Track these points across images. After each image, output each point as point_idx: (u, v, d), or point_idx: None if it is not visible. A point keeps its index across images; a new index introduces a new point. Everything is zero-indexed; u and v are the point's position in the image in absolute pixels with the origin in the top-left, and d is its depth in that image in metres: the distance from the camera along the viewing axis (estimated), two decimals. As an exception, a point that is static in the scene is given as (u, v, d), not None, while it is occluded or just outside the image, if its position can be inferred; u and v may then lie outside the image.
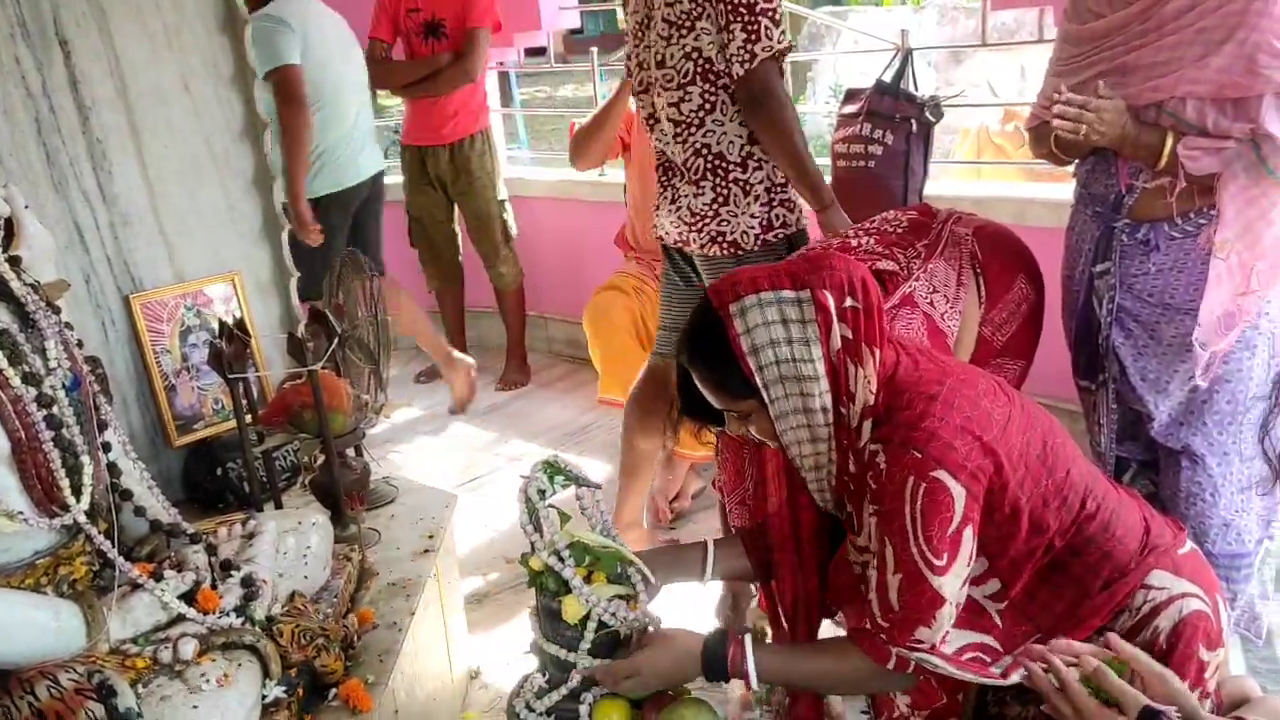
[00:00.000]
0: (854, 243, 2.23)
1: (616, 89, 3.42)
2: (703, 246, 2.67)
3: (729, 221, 2.62)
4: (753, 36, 2.43)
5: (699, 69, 2.55)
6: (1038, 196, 3.42)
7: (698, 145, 2.61)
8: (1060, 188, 3.34)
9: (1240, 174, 2.03)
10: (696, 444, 3.24)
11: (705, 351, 1.67)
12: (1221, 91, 2.00)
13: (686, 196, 2.68)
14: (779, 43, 2.45)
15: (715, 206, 2.63)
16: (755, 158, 2.60)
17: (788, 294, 1.59)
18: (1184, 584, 1.62)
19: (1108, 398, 2.34)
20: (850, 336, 1.59)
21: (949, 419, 1.55)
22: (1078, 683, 1.33)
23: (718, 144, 2.59)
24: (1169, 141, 2.07)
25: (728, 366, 1.63)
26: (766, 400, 1.62)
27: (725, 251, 2.63)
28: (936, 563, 1.52)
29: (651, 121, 2.74)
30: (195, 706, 1.53)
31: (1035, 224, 3.17)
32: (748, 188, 2.60)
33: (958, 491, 1.52)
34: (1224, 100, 2.02)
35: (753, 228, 2.60)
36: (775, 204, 2.62)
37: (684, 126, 2.62)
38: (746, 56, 2.44)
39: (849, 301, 1.59)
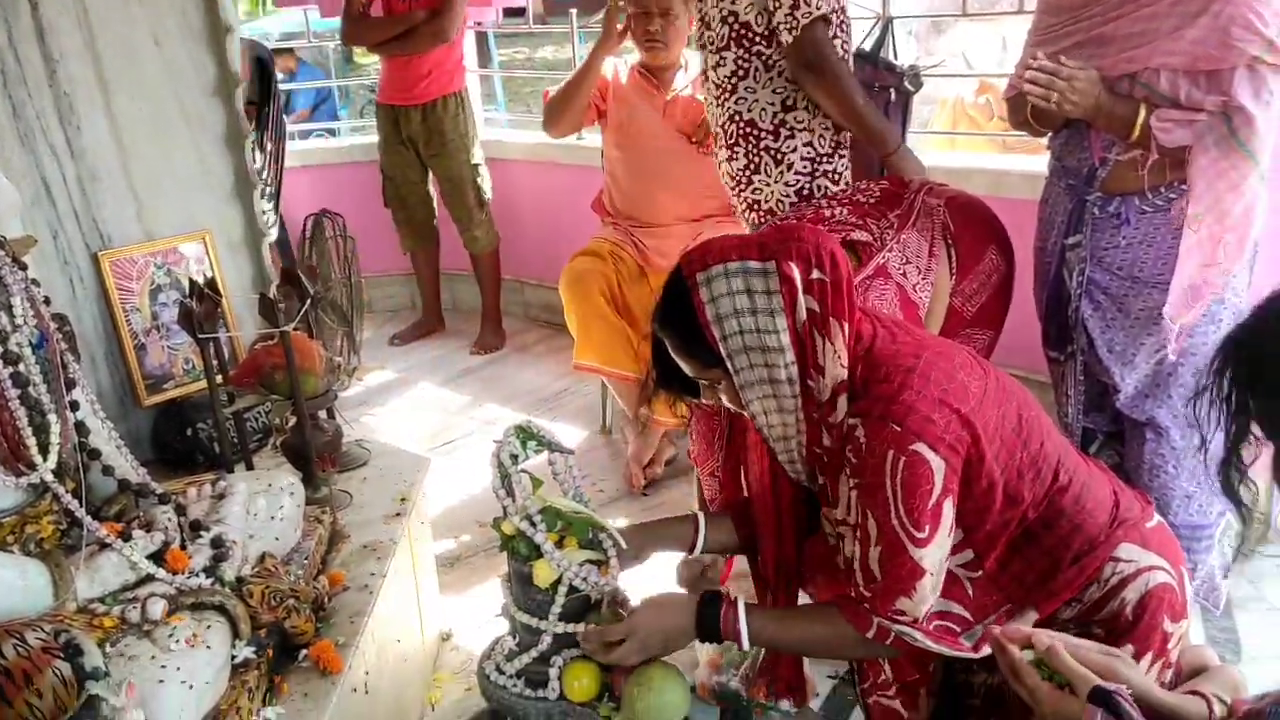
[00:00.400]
0: (827, 213, 2.23)
1: (589, 55, 3.40)
2: (742, 213, 2.67)
3: (761, 190, 2.60)
4: (797, 2, 2.41)
5: (734, 34, 2.53)
6: (1013, 168, 3.43)
7: (731, 111, 2.60)
8: (1035, 160, 3.34)
9: (1211, 147, 2.04)
10: (670, 413, 3.26)
11: (675, 319, 1.67)
12: (1195, 64, 2.01)
13: (723, 162, 2.68)
14: (819, 8, 2.43)
15: (748, 174, 2.61)
16: (789, 126, 2.57)
17: (754, 264, 1.58)
18: (1151, 557, 1.64)
19: (1076, 369, 2.36)
20: (817, 310, 1.59)
21: (926, 392, 1.55)
22: (1029, 664, 1.33)
23: (749, 111, 2.57)
24: (1142, 113, 2.07)
25: (695, 335, 1.63)
26: (731, 370, 1.63)
27: (761, 219, 2.62)
28: (918, 535, 1.53)
29: (705, 83, 2.74)
30: (163, 666, 1.52)
31: (1010, 195, 3.17)
32: (779, 156, 2.57)
33: (937, 464, 1.52)
34: (1197, 73, 2.02)
35: (788, 196, 2.58)
36: (817, 174, 2.59)
37: (720, 91, 2.61)
38: (793, 23, 2.42)
39: (816, 274, 1.58)
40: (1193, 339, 2.17)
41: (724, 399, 1.72)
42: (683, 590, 2.04)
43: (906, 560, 1.54)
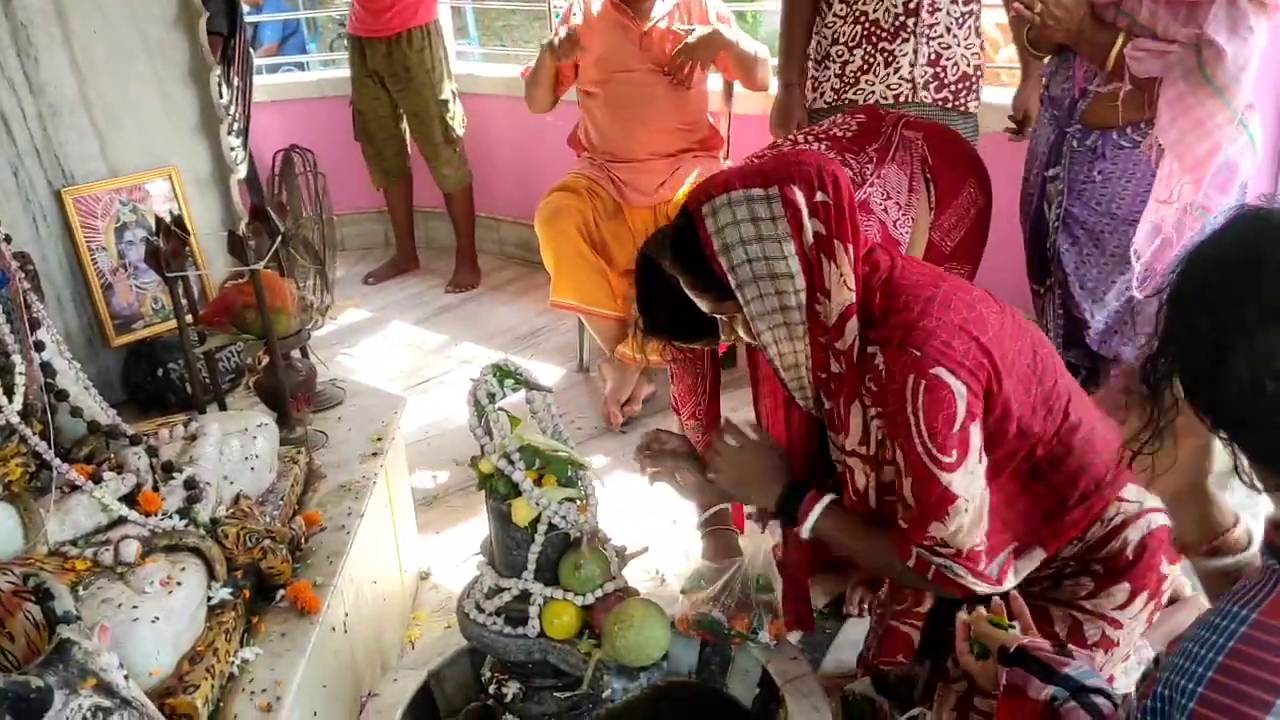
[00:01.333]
0: (805, 148, 2.19)
1: (539, 56, 3.45)
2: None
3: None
4: None
5: None
6: (1006, 102, 3.38)
7: None
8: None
9: (1179, 80, 2.01)
10: (641, 351, 3.24)
11: (684, 255, 1.65)
12: None
13: None
14: None
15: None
16: None
17: (756, 192, 1.56)
18: (1152, 499, 1.64)
19: (1054, 303, 2.37)
20: (823, 231, 1.57)
21: (946, 319, 1.54)
22: (968, 654, 1.41)
23: None
24: (1119, 41, 2.06)
25: (706, 269, 1.61)
26: (741, 301, 1.61)
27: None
28: (944, 459, 1.52)
29: None
30: (137, 608, 1.51)
31: (1001, 129, 3.14)
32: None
33: (958, 388, 1.51)
34: (1179, 4, 2.00)
35: None
36: None
37: None
38: None
39: (819, 196, 1.56)
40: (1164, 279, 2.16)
41: (741, 333, 1.70)
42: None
43: (935, 486, 1.54)
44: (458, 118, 4.51)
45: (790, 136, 2.38)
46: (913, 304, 1.58)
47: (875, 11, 2.57)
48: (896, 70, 2.60)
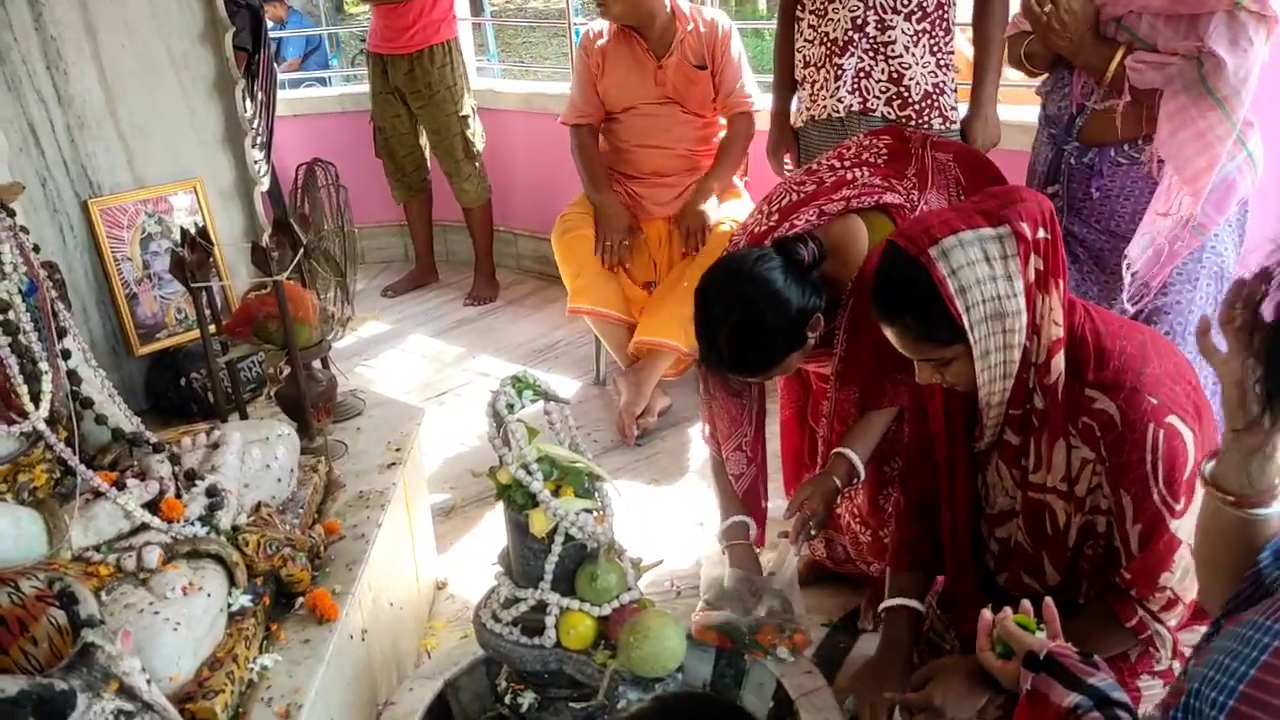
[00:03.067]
0: (849, 175, 2.16)
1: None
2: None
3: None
4: None
5: None
6: (1011, 119, 3.39)
7: None
8: (1034, 111, 3.33)
9: (1180, 92, 2.02)
10: (671, 334, 3.24)
11: (908, 302, 1.61)
12: (1175, 6, 1.99)
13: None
14: None
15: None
16: None
17: (987, 231, 1.55)
18: None
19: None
20: (1041, 269, 1.56)
21: (1165, 364, 1.57)
22: (988, 651, 1.43)
23: None
24: (1119, 55, 2.07)
25: (934, 313, 1.57)
26: (972, 341, 1.58)
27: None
28: (1176, 506, 1.53)
29: None
30: (159, 613, 1.52)
31: (1007, 147, 3.14)
32: None
33: (1188, 435, 1.53)
34: (1178, 17, 2.00)
35: None
36: None
37: None
38: None
39: (1041, 233, 1.56)
40: (1166, 297, 2.16)
41: (947, 377, 1.67)
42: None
43: (1164, 533, 1.54)
44: (478, 134, 4.55)
45: (825, 163, 2.36)
46: (1130, 349, 1.58)
47: (834, 31, 2.64)
48: (844, 84, 2.64)
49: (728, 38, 3.35)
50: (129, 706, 1.24)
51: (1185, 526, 1.54)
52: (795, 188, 2.13)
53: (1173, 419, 1.52)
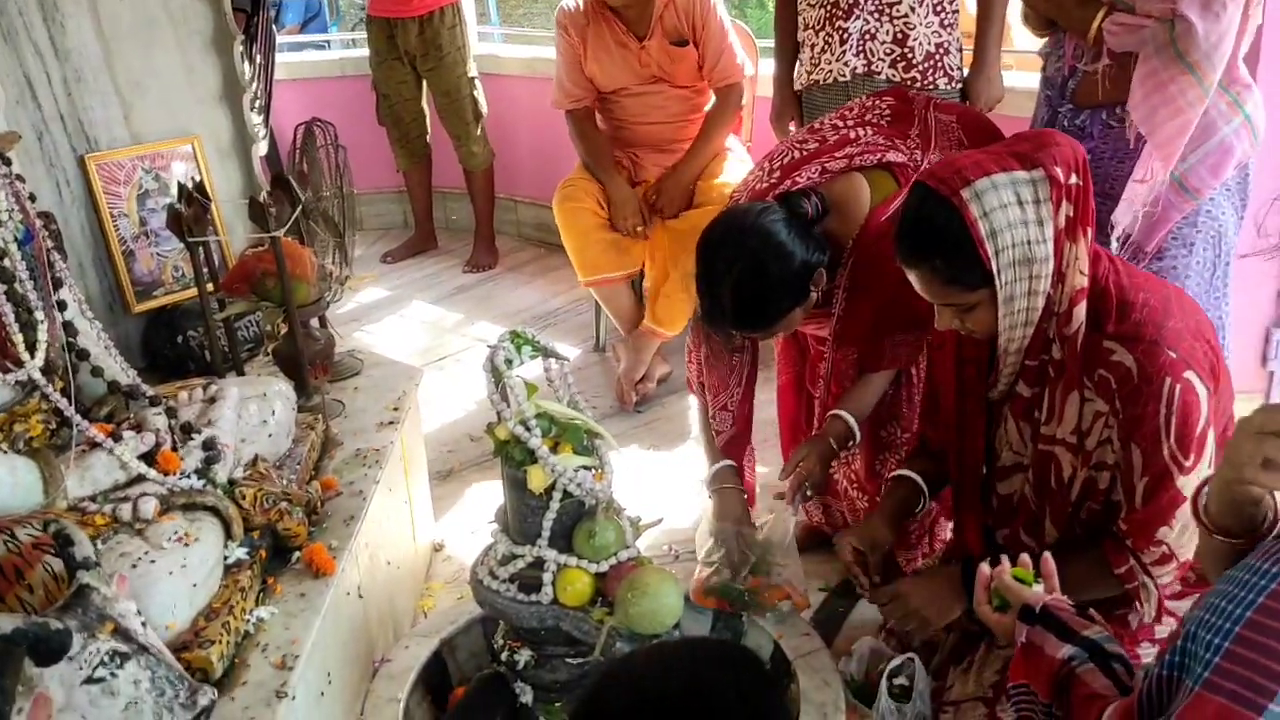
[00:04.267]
0: (852, 134, 2.13)
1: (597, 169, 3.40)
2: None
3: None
4: None
5: None
6: (1018, 85, 3.37)
7: None
8: (1035, 76, 3.31)
9: (1153, 55, 1.99)
10: (674, 325, 3.24)
11: (937, 244, 1.56)
12: None
13: None
14: None
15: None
16: None
17: (1020, 174, 1.51)
18: None
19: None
20: (1072, 215, 1.53)
21: (1187, 320, 1.54)
22: (985, 604, 1.42)
23: None
24: (1099, 15, 2.05)
25: (963, 257, 1.54)
26: (999, 286, 1.55)
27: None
28: (1185, 463, 1.52)
29: None
30: (155, 561, 1.52)
31: (1010, 114, 3.12)
32: None
33: (1203, 392, 1.51)
34: None
35: None
36: None
37: None
38: None
39: (1074, 178, 1.53)
40: (1161, 262, 2.15)
41: (967, 323, 1.64)
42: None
43: (1170, 487, 1.53)
44: (483, 96, 4.52)
45: (829, 122, 2.34)
46: (1154, 301, 1.56)
47: None
48: (848, 49, 2.61)
49: (706, 7, 3.24)
50: (124, 648, 1.23)
51: (1191, 483, 1.52)
52: (797, 145, 2.11)
53: (1190, 374, 1.51)
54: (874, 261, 1.98)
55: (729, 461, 2.21)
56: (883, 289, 1.98)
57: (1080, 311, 1.57)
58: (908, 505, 1.92)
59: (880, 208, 1.99)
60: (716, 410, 2.25)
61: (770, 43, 3.19)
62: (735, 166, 3.38)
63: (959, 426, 1.80)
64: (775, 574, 2.01)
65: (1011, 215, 1.51)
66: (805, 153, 2.06)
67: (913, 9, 2.55)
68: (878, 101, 2.24)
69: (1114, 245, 2.11)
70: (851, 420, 2.06)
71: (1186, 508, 1.52)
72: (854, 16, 2.58)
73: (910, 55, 2.57)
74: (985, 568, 1.44)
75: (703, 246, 1.96)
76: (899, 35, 2.57)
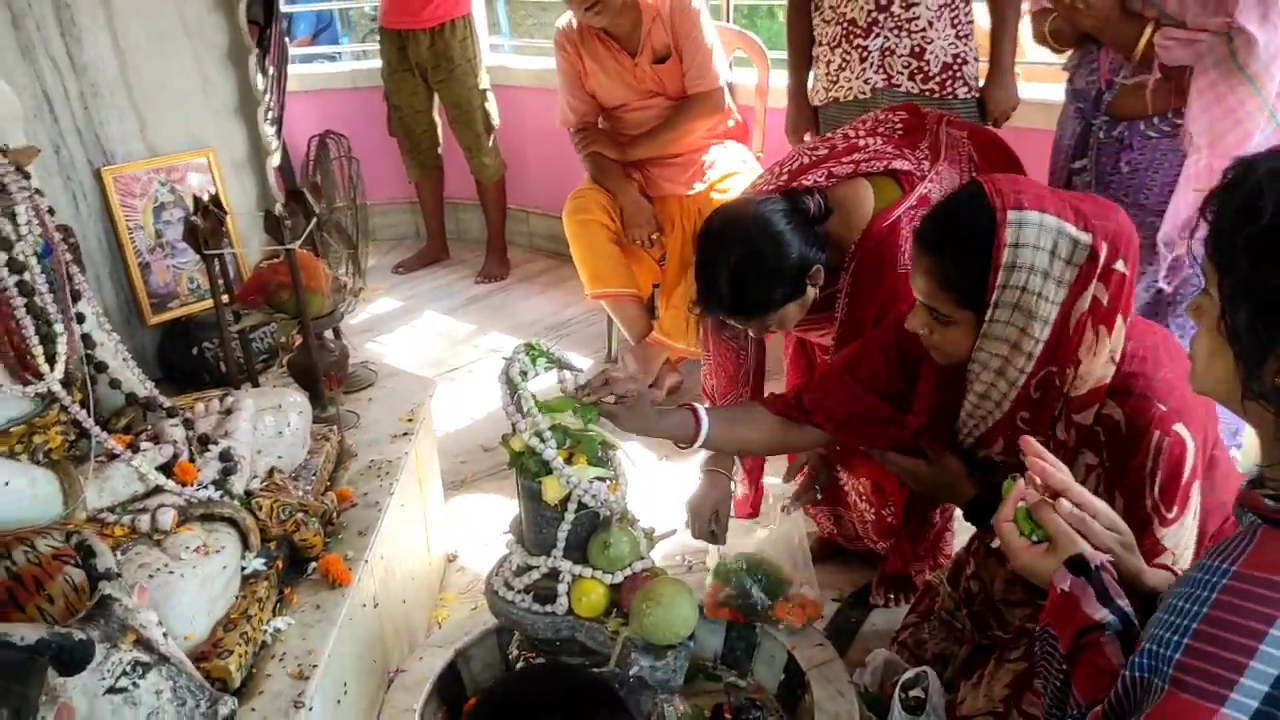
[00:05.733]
0: (861, 142, 2.16)
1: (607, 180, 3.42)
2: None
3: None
4: None
5: None
6: (1032, 97, 3.37)
7: None
8: (1054, 89, 3.31)
9: (1211, 68, 2.00)
10: (682, 337, 3.25)
11: (957, 243, 1.53)
12: None
13: None
14: None
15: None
16: None
17: (1070, 229, 1.47)
18: None
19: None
20: (1104, 301, 1.49)
21: (1176, 368, 1.51)
22: (1009, 521, 1.31)
23: None
24: (1148, 31, 2.06)
25: (972, 268, 1.51)
26: (987, 318, 1.53)
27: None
28: (1167, 515, 1.50)
29: None
30: (173, 572, 1.53)
31: (1027, 125, 3.13)
32: None
33: (1191, 445, 1.49)
34: None
35: None
36: None
37: None
38: None
39: (1119, 265, 1.48)
40: (1194, 269, 2.15)
41: (935, 336, 1.62)
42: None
43: (1149, 539, 1.49)
44: (495, 107, 4.54)
45: (841, 131, 2.34)
46: (1143, 352, 1.53)
47: (851, 11, 2.63)
48: (870, 65, 2.64)
49: (687, 18, 3.25)
50: (146, 658, 1.24)
51: (1171, 535, 1.51)
52: (807, 152, 2.13)
53: (1179, 427, 1.48)
54: (875, 265, 2.00)
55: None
56: (882, 294, 2.00)
57: (1095, 407, 1.54)
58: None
59: (883, 213, 2.01)
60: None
61: (780, 54, 3.21)
62: (745, 182, 3.39)
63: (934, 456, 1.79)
64: (789, 587, 2.01)
65: (1039, 260, 1.48)
66: (814, 158, 2.09)
67: (930, 23, 2.57)
68: (891, 115, 2.25)
69: (1165, 257, 2.10)
70: None
71: (1167, 559, 1.50)
72: (873, 34, 2.60)
73: (927, 68, 2.59)
74: (1023, 485, 1.34)
75: (703, 233, 1.98)
76: (916, 49, 2.59)
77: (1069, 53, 2.34)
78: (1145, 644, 1.04)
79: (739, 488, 2.36)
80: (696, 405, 1.91)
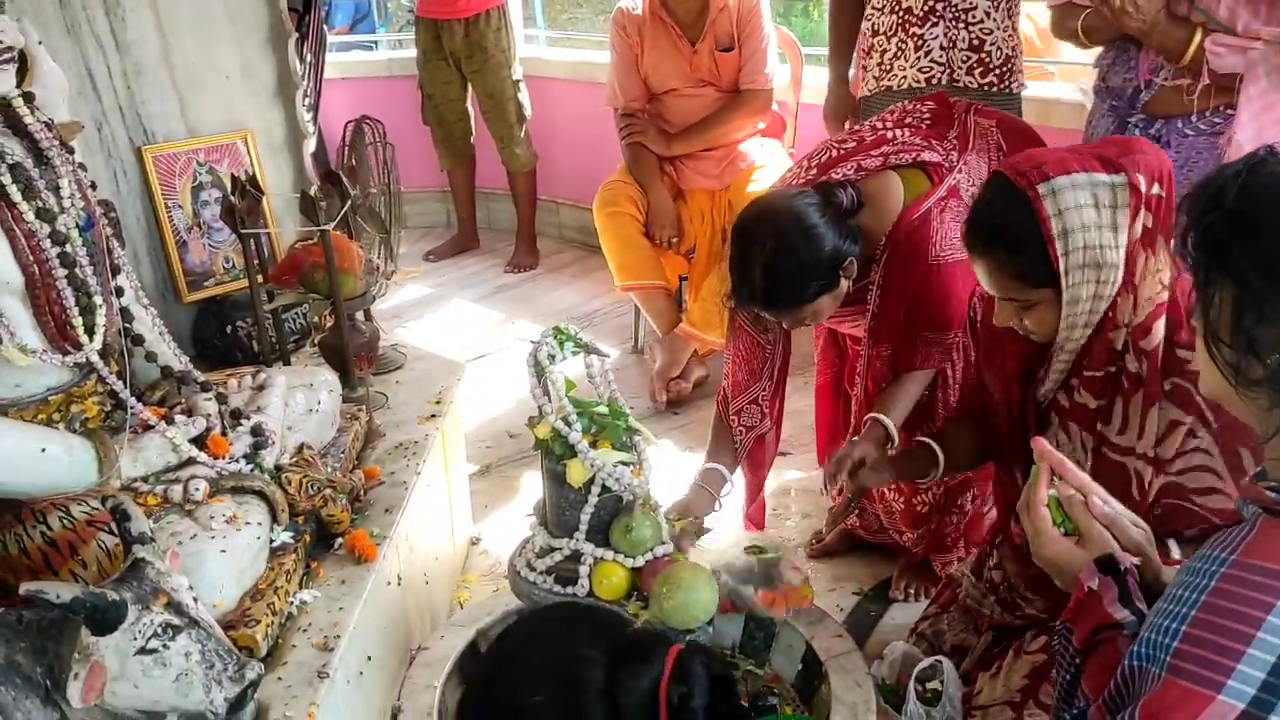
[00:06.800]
0: (889, 134, 2.16)
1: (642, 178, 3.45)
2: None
3: None
4: None
5: None
6: (1062, 97, 3.36)
7: None
8: (1071, 89, 3.31)
9: (1262, 77, 1.98)
10: (710, 330, 3.26)
11: (1006, 236, 1.56)
12: None
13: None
14: None
15: None
16: None
17: (1101, 177, 1.50)
18: None
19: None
20: (1150, 226, 1.52)
21: None
22: (1044, 506, 1.30)
23: None
24: (1197, 37, 2.04)
25: (1031, 252, 1.53)
26: (1064, 287, 1.54)
27: None
28: None
29: None
30: (202, 542, 1.56)
31: (1057, 125, 3.12)
32: None
33: None
34: (1258, 1, 1.97)
35: None
36: None
37: None
38: None
39: (1156, 189, 1.51)
40: None
41: (1027, 322, 1.63)
42: None
43: None
44: (527, 98, 4.56)
45: (870, 124, 2.35)
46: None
47: (909, 0, 2.61)
48: (927, 54, 2.62)
49: (755, 15, 3.30)
50: (176, 620, 1.27)
51: None
52: (836, 145, 2.14)
53: None
54: (906, 257, 2.01)
55: (715, 466, 2.20)
56: (914, 285, 2.00)
57: (1160, 327, 1.55)
58: (917, 466, 1.96)
59: (913, 205, 2.01)
60: (744, 405, 2.26)
61: (813, 49, 3.22)
62: (775, 176, 3.40)
63: (1009, 426, 1.79)
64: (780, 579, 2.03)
65: (1086, 217, 1.50)
66: (843, 151, 2.09)
67: (989, 14, 2.55)
68: (919, 106, 2.26)
69: None
70: (890, 425, 2.07)
71: None
72: (929, 23, 2.59)
73: (987, 60, 2.58)
74: (1054, 453, 1.33)
75: (737, 227, 1.99)
76: (975, 41, 2.57)
77: (1097, 51, 2.32)
78: (1145, 633, 1.04)
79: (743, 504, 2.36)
80: (926, 440, 1.95)
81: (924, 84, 2.63)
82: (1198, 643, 0.98)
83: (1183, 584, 1.03)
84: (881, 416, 2.08)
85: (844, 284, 1.99)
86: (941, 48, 2.60)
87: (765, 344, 2.20)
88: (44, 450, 1.57)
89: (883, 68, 2.71)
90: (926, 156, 2.06)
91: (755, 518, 2.40)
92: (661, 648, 1.09)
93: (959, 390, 2.13)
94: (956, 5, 2.56)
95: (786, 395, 2.29)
